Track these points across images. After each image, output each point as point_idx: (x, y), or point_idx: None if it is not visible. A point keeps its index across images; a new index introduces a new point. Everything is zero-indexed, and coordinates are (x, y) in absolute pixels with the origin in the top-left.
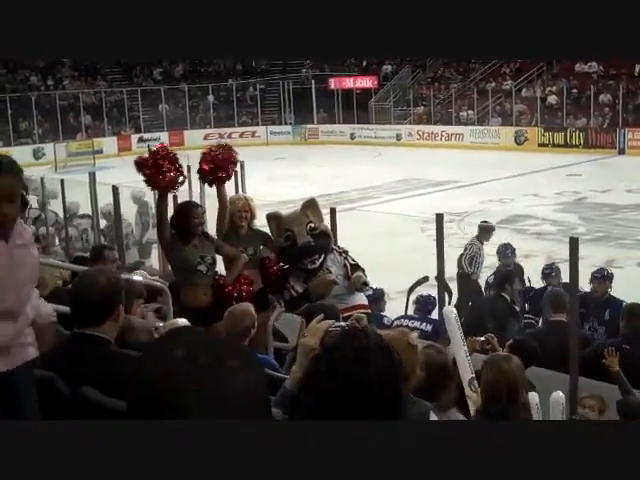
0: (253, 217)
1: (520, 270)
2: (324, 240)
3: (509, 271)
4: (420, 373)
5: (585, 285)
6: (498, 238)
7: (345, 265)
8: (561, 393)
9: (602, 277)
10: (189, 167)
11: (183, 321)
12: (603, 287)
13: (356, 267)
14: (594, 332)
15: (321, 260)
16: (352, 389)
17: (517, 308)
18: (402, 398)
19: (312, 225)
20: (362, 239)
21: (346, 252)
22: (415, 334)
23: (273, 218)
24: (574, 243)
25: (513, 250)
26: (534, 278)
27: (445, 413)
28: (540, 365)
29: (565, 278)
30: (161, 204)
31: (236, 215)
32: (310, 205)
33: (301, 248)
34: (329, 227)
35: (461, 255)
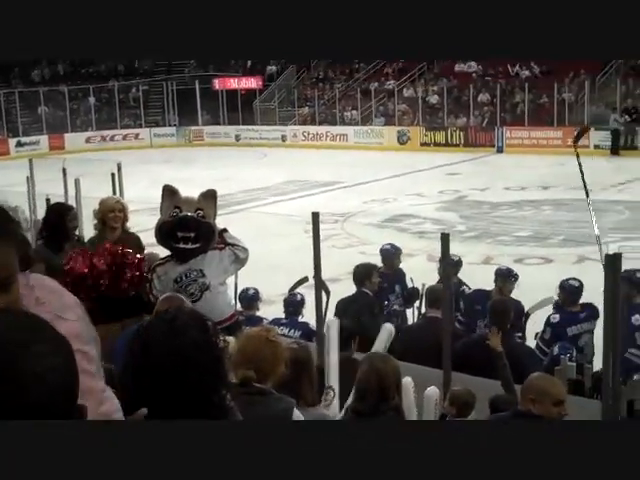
0: (126, 219)
1: (402, 274)
2: (206, 230)
3: (366, 265)
4: (284, 371)
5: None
6: (380, 238)
7: (226, 270)
8: (435, 389)
9: (499, 277)
10: (64, 170)
11: None
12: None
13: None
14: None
15: (195, 245)
16: (167, 360)
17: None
18: (223, 364)
19: (201, 213)
20: (248, 241)
21: (232, 245)
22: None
23: (169, 192)
24: (445, 239)
25: (399, 253)
26: (415, 276)
27: (310, 410)
28: (414, 361)
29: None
30: None
31: (107, 215)
32: (207, 196)
33: (180, 218)
34: (218, 229)
35: None
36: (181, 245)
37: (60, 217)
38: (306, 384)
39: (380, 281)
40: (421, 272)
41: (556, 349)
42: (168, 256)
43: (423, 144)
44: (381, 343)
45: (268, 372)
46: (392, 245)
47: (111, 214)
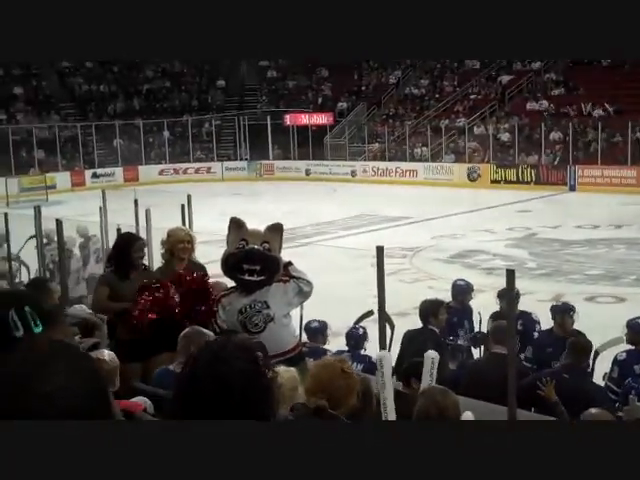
0: (193, 250)
1: (470, 310)
2: (272, 263)
3: (433, 302)
4: (355, 402)
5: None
6: (448, 273)
7: (290, 303)
8: (469, 412)
9: (557, 313)
10: (136, 201)
11: (110, 353)
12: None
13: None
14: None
15: (260, 277)
16: (213, 389)
17: (456, 339)
18: (272, 395)
19: (267, 246)
20: (313, 274)
21: (297, 278)
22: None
23: (236, 224)
24: (510, 275)
25: (470, 289)
26: (484, 312)
27: None
28: (478, 397)
29: None
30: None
31: (176, 247)
32: (274, 229)
33: (247, 251)
34: (283, 262)
35: None
36: (246, 277)
37: (127, 246)
38: (369, 415)
39: (447, 317)
40: (490, 308)
41: (625, 384)
42: (233, 287)
43: (494, 181)
44: (427, 373)
45: (341, 402)
46: (465, 281)
47: (180, 245)
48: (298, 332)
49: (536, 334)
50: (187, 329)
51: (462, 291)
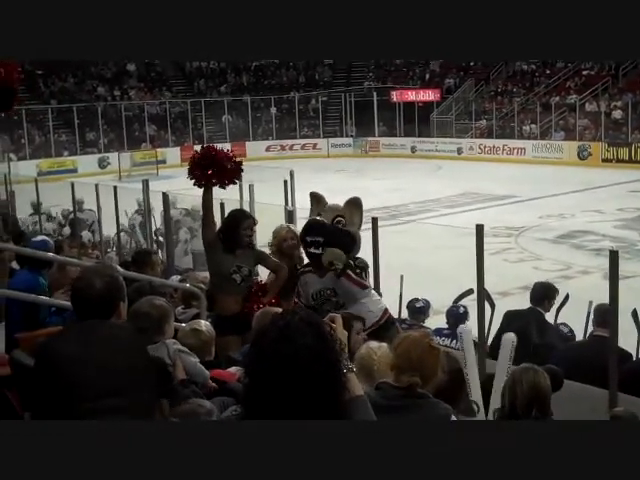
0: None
1: None
2: (337, 237)
3: (547, 286)
4: (442, 375)
5: None
6: (554, 253)
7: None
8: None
9: None
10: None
11: (206, 324)
12: None
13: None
14: None
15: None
16: (279, 365)
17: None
18: (339, 370)
19: (340, 220)
20: (417, 252)
21: (363, 269)
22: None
23: (315, 199)
24: (614, 257)
25: None
26: (590, 294)
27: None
28: (579, 380)
29: None
30: (206, 198)
31: (282, 245)
32: (351, 203)
33: (307, 223)
34: (360, 235)
35: None
36: (311, 250)
37: (237, 224)
38: (461, 393)
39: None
40: (596, 290)
41: None
42: (308, 264)
43: (605, 160)
44: (506, 354)
45: (429, 378)
46: None
47: (285, 243)
48: (383, 305)
49: None
50: (262, 309)
51: None
